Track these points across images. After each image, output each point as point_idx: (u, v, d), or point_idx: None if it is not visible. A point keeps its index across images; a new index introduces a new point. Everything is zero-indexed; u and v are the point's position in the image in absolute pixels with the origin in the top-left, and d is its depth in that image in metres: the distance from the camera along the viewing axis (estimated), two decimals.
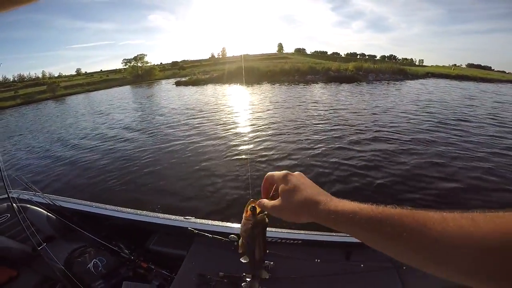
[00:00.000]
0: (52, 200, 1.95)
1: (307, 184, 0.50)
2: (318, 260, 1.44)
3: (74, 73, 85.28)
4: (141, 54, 54.35)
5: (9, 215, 1.78)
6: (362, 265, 1.38)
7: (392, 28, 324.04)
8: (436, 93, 16.63)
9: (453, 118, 8.80)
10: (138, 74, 50.24)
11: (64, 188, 4.76)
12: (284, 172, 0.53)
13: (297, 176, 0.52)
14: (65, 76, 77.61)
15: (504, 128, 7.70)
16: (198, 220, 1.78)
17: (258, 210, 0.56)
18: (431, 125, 7.85)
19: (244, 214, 0.58)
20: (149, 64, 55.11)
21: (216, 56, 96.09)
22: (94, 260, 1.65)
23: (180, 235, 1.73)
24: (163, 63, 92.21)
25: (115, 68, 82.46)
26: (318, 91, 16.71)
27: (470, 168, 4.66)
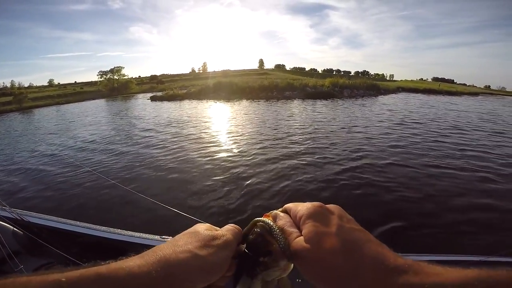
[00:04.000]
0: (19, 215, 1.86)
1: (364, 232, 0.34)
2: (299, 280, 1.45)
3: (46, 83, 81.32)
4: (118, 67, 53.41)
5: None
6: None
7: (365, 44, 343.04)
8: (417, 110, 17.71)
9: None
10: (114, 87, 49.03)
11: (34, 204, 4.52)
12: (317, 203, 0.37)
13: (343, 216, 0.36)
14: (36, 87, 73.98)
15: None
16: None
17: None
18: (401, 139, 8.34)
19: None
20: (126, 77, 54.08)
21: (197, 71, 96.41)
22: None
23: None
24: (141, 76, 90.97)
25: (90, 80, 79.86)
26: (294, 108, 17.19)
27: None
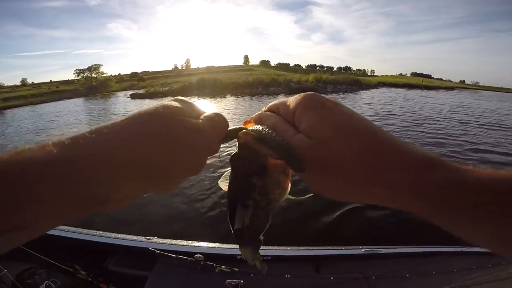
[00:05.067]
0: None
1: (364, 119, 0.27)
2: (288, 276, 1.41)
3: (19, 83, 76.95)
4: (96, 64, 51.58)
5: None
6: (332, 278, 1.38)
7: (348, 40, 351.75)
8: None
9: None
10: (92, 86, 47.27)
11: None
12: (309, 92, 0.29)
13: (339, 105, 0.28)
14: (8, 87, 70.03)
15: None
16: (161, 240, 1.70)
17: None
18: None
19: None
20: (104, 75, 52.31)
21: (180, 68, 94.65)
22: (47, 281, 1.50)
23: (141, 255, 1.64)
24: (121, 74, 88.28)
25: (66, 79, 76.42)
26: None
27: None
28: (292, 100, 0.29)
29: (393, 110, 13.47)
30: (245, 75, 31.77)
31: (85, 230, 1.80)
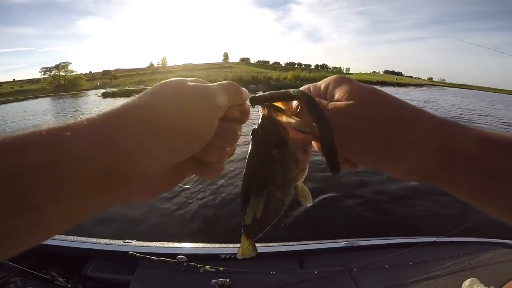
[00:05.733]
0: None
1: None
2: (274, 272, 1.43)
3: None
4: (64, 62, 48.84)
5: None
6: (316, 272, 1.41)
7: (325, 39, 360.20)
8: None
9: None
10: (60, 85, 44.66)
11: None
12: (337, 75, 0.32)
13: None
14: None
15: None
16: (141, 243, 1.65)
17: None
18: None
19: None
20: (74, 73, 49.56)
21: (156, 65, 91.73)
22: None
23: (121, 260, 1.59)
24: (92, 72, 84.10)
25: (32, 78, 71.48)
26: None
27: None
28: (322, 81, 0.34)
29: None
30: (225, 73, 31.55)
31: (61, 235, 1.72)
